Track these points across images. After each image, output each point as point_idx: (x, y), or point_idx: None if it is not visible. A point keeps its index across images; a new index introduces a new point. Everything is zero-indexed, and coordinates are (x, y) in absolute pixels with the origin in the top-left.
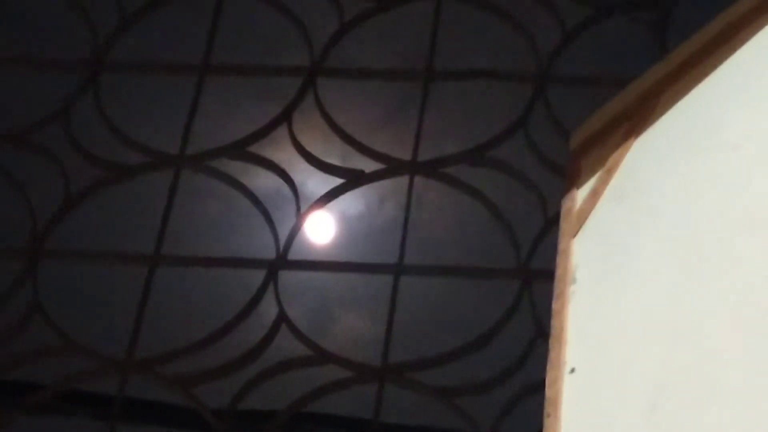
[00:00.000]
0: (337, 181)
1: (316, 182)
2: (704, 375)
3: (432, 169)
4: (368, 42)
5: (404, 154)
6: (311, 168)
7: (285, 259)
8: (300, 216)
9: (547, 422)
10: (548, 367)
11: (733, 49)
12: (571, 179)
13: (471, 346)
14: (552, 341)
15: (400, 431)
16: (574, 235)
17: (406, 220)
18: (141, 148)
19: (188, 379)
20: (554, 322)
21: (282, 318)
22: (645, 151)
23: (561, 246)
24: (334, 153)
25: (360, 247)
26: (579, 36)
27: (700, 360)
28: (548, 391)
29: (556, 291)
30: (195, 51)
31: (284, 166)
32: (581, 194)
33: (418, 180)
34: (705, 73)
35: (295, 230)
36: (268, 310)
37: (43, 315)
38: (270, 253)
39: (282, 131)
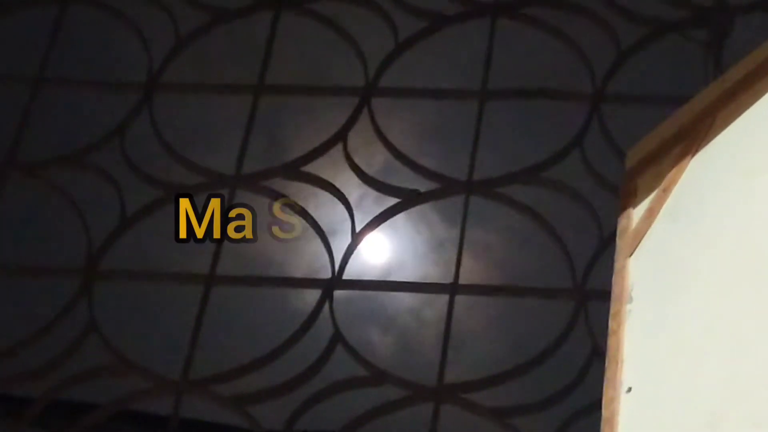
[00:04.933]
0: (393, 201)
1: (372, 202)
2: (766, 396)
3: (487, 188)
4: (423, 62)
5: (460, 173)
6: (366, 187)
7: (340, 279)
8: (355, 236)
9: None
10: (605, 387)
11: None
12: (626, 198)
13: (527, 366)
14: (608, 360)
15: None
16: (631, 254)
17: (461, 239)
18: (196, 168)
19: (244, 399)
20: (611, 342)
21: (337, 338)
22: (701, 171)
23: (617, 265)
24: (389, 172)
25: (415, 267)
26: (634, 55)
27: (762, 380)
28: (604, 411)
29: (613, 310)
30: (249, 71)
31: (339, 185)
32: (637, 213)
33: (474, 199)
34: (760, 93)
35: (351, 250)
36: (324, 329)
37: (98, 335)
38: (325, 273)
39: (337, 151)
